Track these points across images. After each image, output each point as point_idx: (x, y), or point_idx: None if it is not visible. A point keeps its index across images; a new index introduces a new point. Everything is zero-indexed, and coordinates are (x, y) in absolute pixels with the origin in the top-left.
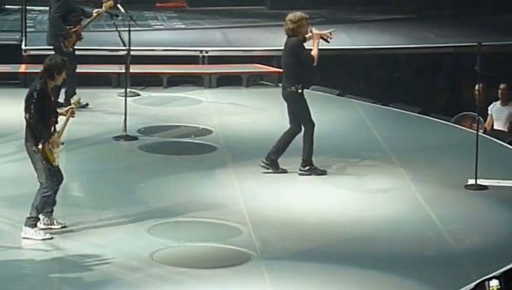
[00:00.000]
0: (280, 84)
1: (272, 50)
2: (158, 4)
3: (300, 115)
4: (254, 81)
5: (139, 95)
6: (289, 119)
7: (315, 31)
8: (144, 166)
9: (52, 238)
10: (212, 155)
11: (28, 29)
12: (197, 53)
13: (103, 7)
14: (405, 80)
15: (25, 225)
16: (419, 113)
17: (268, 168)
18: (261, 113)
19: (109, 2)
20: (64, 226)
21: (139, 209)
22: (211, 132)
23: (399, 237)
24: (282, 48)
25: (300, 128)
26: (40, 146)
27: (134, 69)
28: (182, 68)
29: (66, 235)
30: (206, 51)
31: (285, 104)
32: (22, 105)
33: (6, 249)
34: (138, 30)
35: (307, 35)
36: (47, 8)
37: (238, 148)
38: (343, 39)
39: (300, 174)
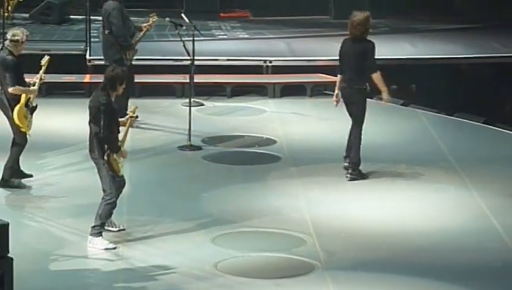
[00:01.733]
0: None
1: (336, 60)
2: (222, 14)
3: (360, 114)
4: (318, 91)
5: (203, 104)
6: (349, 115)
7: None
8: (208, 176)
9: (116, 247)
10: (276, 165)
11: (92, 39)
12: (261, 63)
13: (150, 21)
14: (469, 89)
15: (90, 234)
16: (483, 123)
17: (356, 178)
18: (325, 123)
19: (154, 18)
20: (123, 229)
21: (203, 219)
22: (275, 141)
23: (463, 247)
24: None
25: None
26: (105, 157)
27: (198, 78)
28: (246, 78)
29: (130, 244)
30: (270, 61)
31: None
32: (86, 115)
33: (71, 259)
34: (202, 40)
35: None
36: None
37: (302, 158)
38: (407, 49)
39: (351, 179)
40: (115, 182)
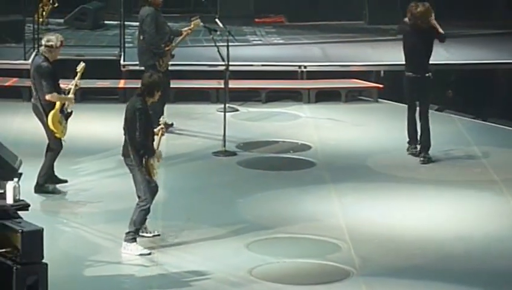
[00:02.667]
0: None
1: (370, 65)
2: (257, 19)
3: (426, 99)
4: (352, 96)
5: (237, 110)
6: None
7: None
8: (243, 182)
9: (150, 253)
10: (311, 171)
11: (126, 45)
12: (296, 68)
13: (192, 25)
14: (504, 95)
15: (125, 240)
16: None
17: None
18: (359, 128)
19: (197, 20)
20: (158, 235)
21: (237, 225)
22: (309, 147)
23: (499, 254)
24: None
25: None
26: (144, 162)
27: (233, 84)
28: (281, 83)
29: (165, 250)
30: (305, 66)
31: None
32: (121, 120)
33: (106, 264)
34: (237, 45)
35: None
36: None
37: (337, 164)
38: (441, 54)
39: (424, 162)
40: (150, 188)
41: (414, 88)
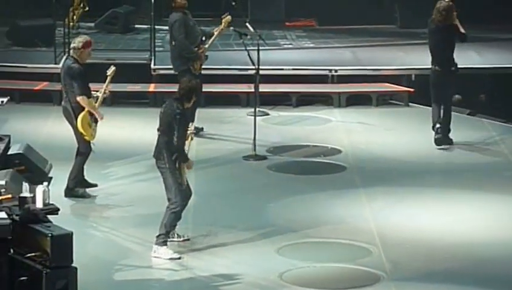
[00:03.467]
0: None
1: (402, 69)
2: (287, 23)
3: (449, 92)
4: (384, 100)
5: (268, 114)
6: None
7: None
8: (273, 186)
9: (180, 257)
10: (342, 175)
11: (156, 49)
12: (327, 72)
13: (222, 23)
14: None
15: (155, 244)
16: None
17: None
18: (390, 133)
19: (227, 17)
20: (188, 239)
21: (268, 229)
22: (340, 151)
23: None
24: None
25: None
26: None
27: (263, 88)
28: (311, 87)
29: (195, 254)
30: (336, 70)
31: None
32: (151, 125)
33: (135, 268)
34: (267, 49)
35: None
36: None
37: (367, 168)
38: (473, 58)
39: (437, 142)
40: (181, 191)
41: (439, 82)
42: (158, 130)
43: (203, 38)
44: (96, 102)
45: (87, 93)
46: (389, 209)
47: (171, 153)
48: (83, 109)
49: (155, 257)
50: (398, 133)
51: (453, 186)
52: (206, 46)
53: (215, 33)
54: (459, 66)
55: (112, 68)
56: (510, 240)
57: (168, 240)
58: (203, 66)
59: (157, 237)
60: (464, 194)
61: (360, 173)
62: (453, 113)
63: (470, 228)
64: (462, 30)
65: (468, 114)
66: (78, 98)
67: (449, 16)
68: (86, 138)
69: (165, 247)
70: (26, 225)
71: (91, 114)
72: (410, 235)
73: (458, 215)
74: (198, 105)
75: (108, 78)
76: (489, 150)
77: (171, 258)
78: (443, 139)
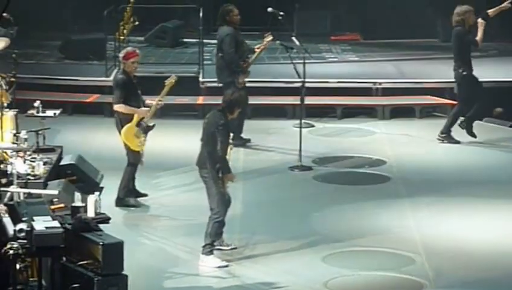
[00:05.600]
0: None
1: (444, 82)
2: (333, 37)
3: (460, 92)
4: (427, 112)
5: (313, 126)
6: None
7: (480, 20)
8: (319, 196)
9: (228, 265)
10: (386, 185)
11: (205, 62)
12: (371, 85)
13: (264, 42)
14: None
15: (202, 253)
16: None
17: (443, 140)
18: (433, 144)
19: (269, 37)
20: (235, 248)
21: (313, 238)
22: (384, 162)
23: None
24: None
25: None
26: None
27: (309, 100)
28: (356, 100)
29: (242, 262)
30: (380, 83)
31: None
32: (199, 136)
33: (184, 276)
34: (313, 62)
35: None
36: None
37: (411, 179)
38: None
39: (438, 139)
40: (224, 201)
41: (456, 82)
42: (201, 140)
43: (247, 54)
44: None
45: (135, 105)
46: (433, 219)
47: (214, 163)
48: (131, 120)
49: (203, 265)
50: (441, 145)
51: (498, 197)
52: (250, 62)
53: (257, 50)
54: (500, 80)
55: (173, 77)
56: None
57: (216, 248)
58: (247, 80)
59: (204, 247)
60: (506, 204)
61: (405, 183)
62: (494, 125)
63: None
64: (479, 36)
65: (510, 126)
66: (116, 107)
67: (465, 19)
68: (132, 148)
69: (211, 256)
70: (78, 234)
71: (139, 125)
72: (454, 244)
73: (501, 225)
74: (245, 117)
75: (166, 88)
76: None
77: (218, 267)
78: (446, 136)
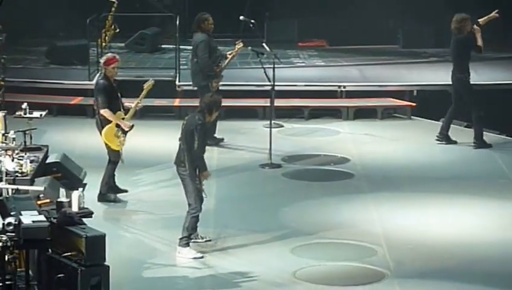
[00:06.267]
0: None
1: (404, 85)
2: (300, 44)
3: (467, 98)
4: (388, 113)
5: (282, 126)
6: (453, 99)
7: (476, 27)
8: (288, 191)
9: (203, 257)
10: (350, 182)
11: (181, 67)
12: (336, 88)
13: (236, 48)
14: None
15: (179, 245)
16: None
17: (441, 141)
18: (394, 143)
19: (240, 44)
20: (209, 241)
21: (283, 231)
22: (348, 160)
23: None
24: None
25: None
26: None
27: (278, 102)
28: (322, 102)
29: (216, 254)
30: (344, 86)
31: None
32: (176, 136)
33: (162, 267)
34: (282, 67)
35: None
36: None
37: (374, 175)
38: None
39: (436, 140)
40: (201, 197)
41: (454, 86)
42: (180, 139)
43: (220, 60)
44: (127, 114)
45: (115, 109)
46: (394, 213)
47: (192, 161)
48: (110, 121)
49: (179, 256)
50: (402, 144)
51: (453, 192)
52: (222, 66)
53: (229, 56)
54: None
55: (151, 81)
56: (505, 240)
57: (191, 241)
58: (221, 83)
59: (180, 239)
60: (462, 199)
61: (367, 179)
62: (452, 125)
63: (468, 229)
64: (479, 42)
65: (465, 126)
66: (101, 111)
67: (463, 27)
68: (113, 147)
69: (188, 248)
70: (63, 227)
71: (118, 126)
72: (413, 236)
73: (457, 218)
74: (218, 118)
75: (144, 91)
76: (485, 159)
77: (194, 258)
78: (442, 136)
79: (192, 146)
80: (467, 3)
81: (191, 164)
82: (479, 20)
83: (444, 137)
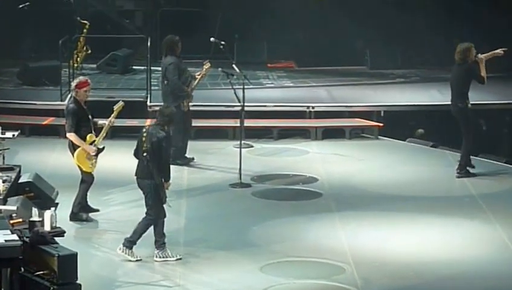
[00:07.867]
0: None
1: (372, 106)
2: (269, 65)
3: (465, 126)
4: (356, 133)
5: (252, 146)
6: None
7: (481, 56)
8: (257, 211)
9: (181, 258)
10: (318, 201)
11: (152, 88)
12: (305, 108)
13: (204, 69)
14: (493, 132)
15: (124, 245)
16: (505, 162)
17: (462, 175)
18: (362, 163)
19: (207, 64)
20: (179, 259)
21: (252, 249)
22: (316, 179)
23: (486, 276)
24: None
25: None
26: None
27: (248, 123)
28: (291, 122)
29: (186, 272)
30: (313, 107)
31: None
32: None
33: (134, 285)
34: (251, 88)
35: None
36: None
37: (341, 195)
38: (435, 96)
39: (457, 177)
40: (160, 208)
41: (454, 116)
42: (145, 152)
43: (189, 80)
44: (98, 135)
45: (85, 131)
46: (361, 232)
47: (160, 172)
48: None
49: (158, 261)
50: (369, 163)
51: (419, 211)
52: (192, 86)
53: (198, 77)
54: (421, 103)
55: (120, 103)
56: (468, 259)
57: (161, 259)
58: (191, 104)
59: (128, 240)
60: (427, 217)
61: (335, 199)
62: (417, 145)
63: (432, 248)
64: (482, 73)
65: (431, 146)
66: (67, 135)
67: (465, 56)
68: (84, 169)
69: (131, 251)
70: (35, 246)
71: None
72: (380, 254)
73: (423, 237)
74: (189, 137)
75: (115, 113)
76: (450, 177)
77: (136, 260)
78: (460, 173)
79: (160, 157)
80: (433, 26)
81: (158, 175)
82: (482, 55)
83: (466, 172)
